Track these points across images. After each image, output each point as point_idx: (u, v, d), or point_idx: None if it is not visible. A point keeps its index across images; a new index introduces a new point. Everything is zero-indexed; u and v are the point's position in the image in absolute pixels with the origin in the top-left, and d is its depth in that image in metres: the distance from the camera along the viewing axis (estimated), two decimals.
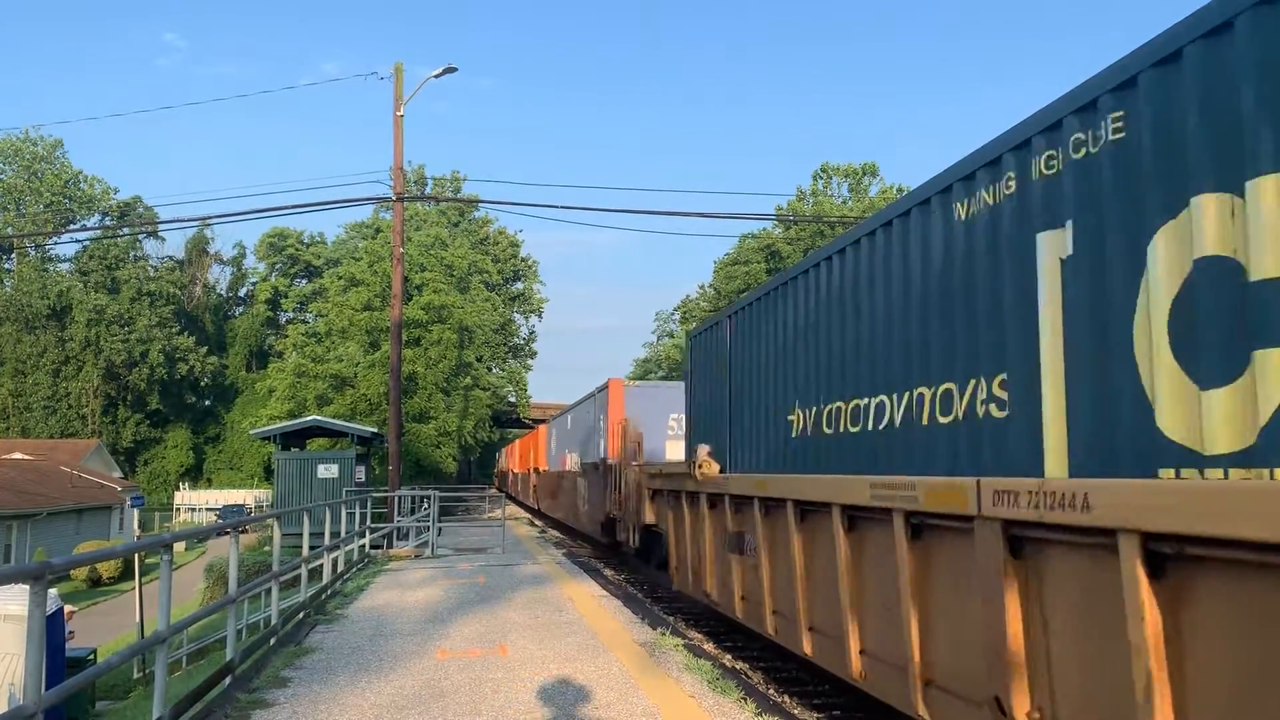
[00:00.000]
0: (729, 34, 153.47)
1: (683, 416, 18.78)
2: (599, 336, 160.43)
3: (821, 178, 72.18)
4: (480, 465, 78.15)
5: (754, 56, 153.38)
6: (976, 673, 5.21)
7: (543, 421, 47.33)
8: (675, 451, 18.27)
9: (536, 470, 37.92)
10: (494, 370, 71.71)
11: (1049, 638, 4.61)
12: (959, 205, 6.02)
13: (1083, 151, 4.75)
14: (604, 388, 20.32)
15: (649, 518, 14.45)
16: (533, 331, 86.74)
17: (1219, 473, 3.90)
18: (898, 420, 6.72)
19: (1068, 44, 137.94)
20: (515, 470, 52.10)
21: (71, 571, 34.50)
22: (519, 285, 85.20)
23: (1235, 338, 3.84)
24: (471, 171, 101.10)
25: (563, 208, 42.67)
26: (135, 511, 37.98)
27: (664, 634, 9.90)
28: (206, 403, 79.71)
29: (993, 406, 5.55)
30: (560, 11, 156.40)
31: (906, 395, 6.57)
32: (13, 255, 77.65)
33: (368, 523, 19.88)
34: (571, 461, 26.58)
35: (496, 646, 9.31)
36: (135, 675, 18.82)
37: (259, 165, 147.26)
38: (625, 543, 17.30)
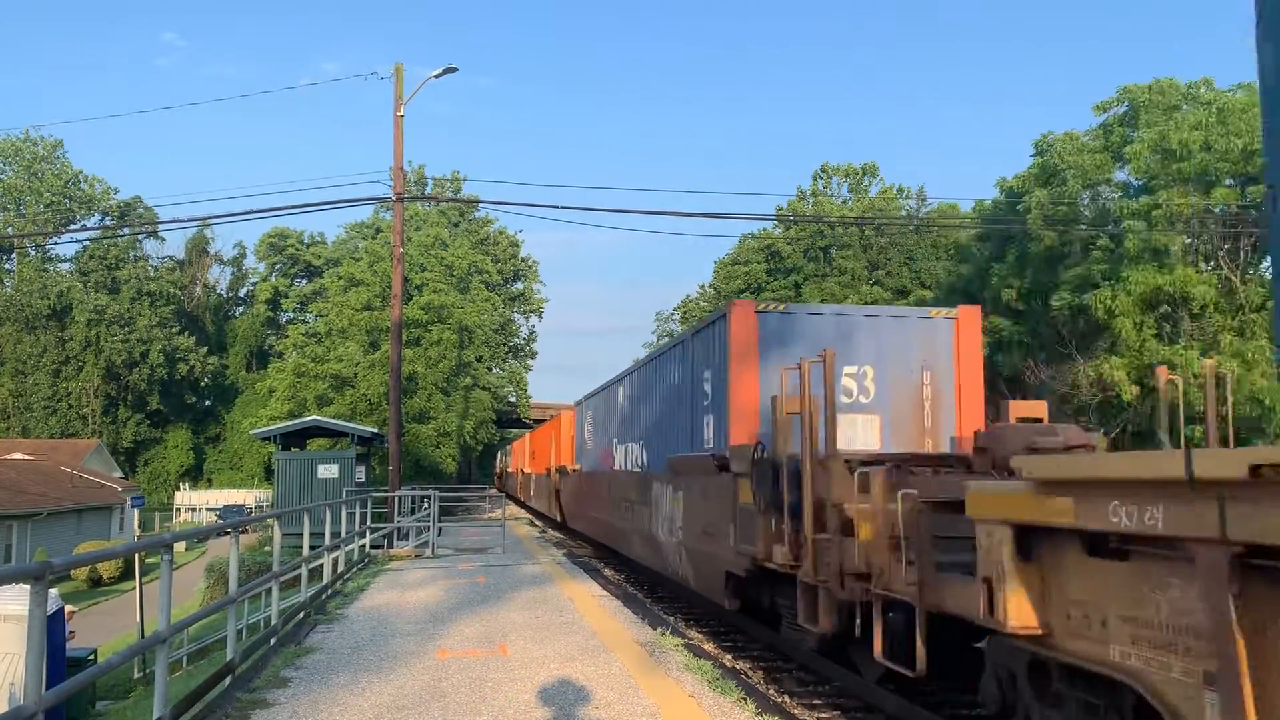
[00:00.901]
0: (729, 34, 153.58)
1: (868, 369, 10.80)
2: (599, 336, 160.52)
3: (822, 178, 72.21)
4: (480, 465, 78.14)
5: (754, 56, 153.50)
6: None
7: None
8: (863, 433, 10.66)
9: (561, 471, 27.86)
10: (494, 370, 71.71)
11: None
12: None
13: None
14: (720, 317, 11.49)
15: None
16: (533, 331, 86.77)
17: None
18: None
19: (1067, 43, 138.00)
20: (526, 470, 42.48)
21: (72, 571, 34.50)
22: (519, 285, 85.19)
23: None
24: (471, 171, 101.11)
25: (563, 208, 42.75)
26: (135, 512, 37.97)
27: (664, 634, 9.90)
28: (207, 403, 79.72)
29: None
30: (560, 11, 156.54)
31: None
32: (13, 255, 77.66)
33: (368, 523, 19.88)
34: (628, 457, 17.58)
35: (497, 646, 9.31)
36: (136, 675, 18.83)
37: (259, 165, 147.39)
38: (830, 634, 7.79)
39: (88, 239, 75.22)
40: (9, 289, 73.19)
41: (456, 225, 75.97)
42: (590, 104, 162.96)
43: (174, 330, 74.78)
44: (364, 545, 19.00)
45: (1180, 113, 30.53)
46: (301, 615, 11.24)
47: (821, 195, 71.36)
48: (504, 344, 76.40)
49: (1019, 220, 34.90)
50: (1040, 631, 4.71)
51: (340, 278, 54.54)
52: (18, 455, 48.46)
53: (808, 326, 11.15)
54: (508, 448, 64.33)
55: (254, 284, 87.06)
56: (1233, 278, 29.06)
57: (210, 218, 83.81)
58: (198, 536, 9.50)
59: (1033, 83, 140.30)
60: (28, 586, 4.58)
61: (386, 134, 25.35)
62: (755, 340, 10.85)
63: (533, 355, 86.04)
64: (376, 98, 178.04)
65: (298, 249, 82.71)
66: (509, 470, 57.67)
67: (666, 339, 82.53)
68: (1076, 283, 31.83)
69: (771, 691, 9.18)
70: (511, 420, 74.41)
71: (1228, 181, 29.04)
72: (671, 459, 13.32)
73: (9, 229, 74.45)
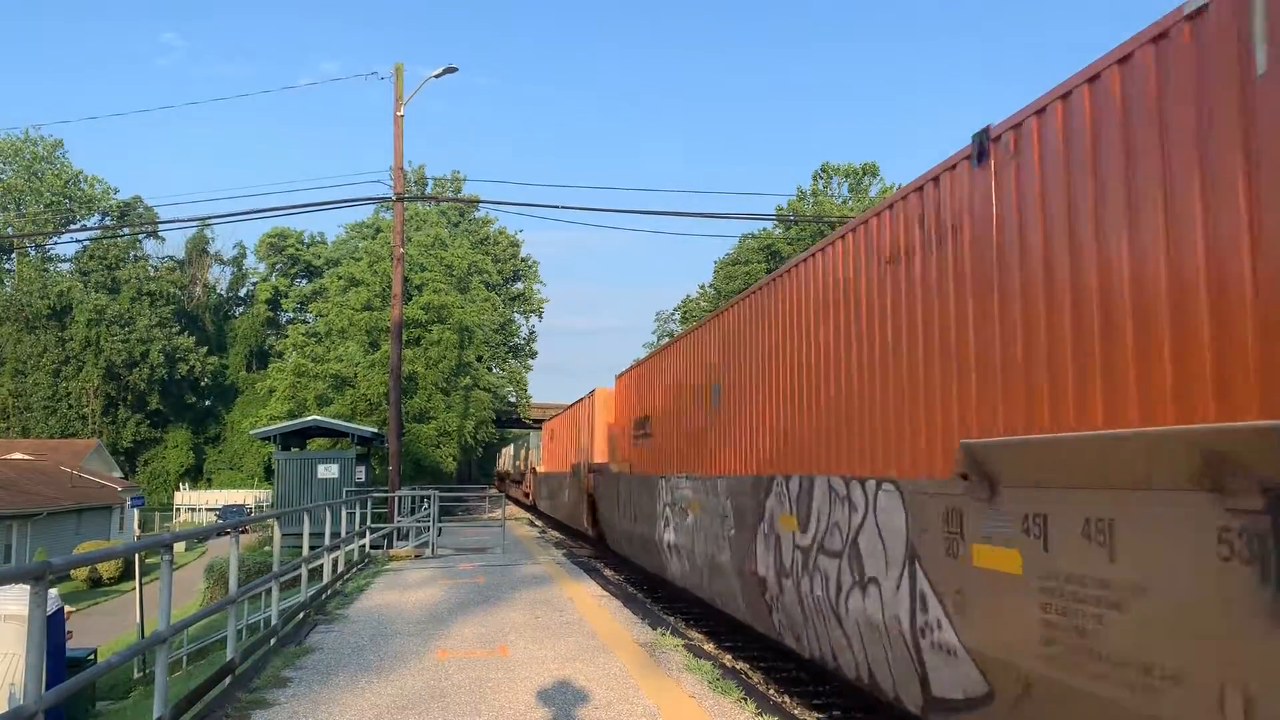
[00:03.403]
0: (728, 34, 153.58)
1: None
2: (599, 336, 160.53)
3: (822, 178, 72.25)
4: (480, 465, 78.08)
5: (754, 57, 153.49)
6: None
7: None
8: None
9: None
10: (494, 370, 71.70)
11: None
12: None
13: None
14: None
15: None
16: (533, 331, 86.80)
17: None
18: None
19: (1068, 42, 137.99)
20: (598, 462, 21.26)
21: (72, 571, 34.50)
22: (519, 285, 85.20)
23: None
24: (471, 171, 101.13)
25: (563, 207, 42.65)
26: (135, 512, 38.08)
27: (664, 634, 9.89)
28: (207, 403, 79.69)
29: None
30: (560, 11, 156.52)
31: None
32: (13, 255, 77.66)
33: (368, 523, 19.88)
34: None
35: (497, 647, 9.31)
36: (136, 675, 18.85)
37: (259, 165, 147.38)
38: None
39: (88, 239, 75.27)
40: (9, 289, 73.18)
41: (456, 225, 76.01)
42: (590, 104, 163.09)
43: (174, 330, 74.76)
44: (364, 545, 19.00)
45: None
46: (301, 615, 11.23)
47: (821, 195, 71.37)
48: (504, 344, 76.42)
49: None
50: None
51: (340, 278, 54.56)
52: (17, 455, 48.47)
53: None
54: (526, 439, 49.34)
55: (254, 284, 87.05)
56: None
57: (210, 218, 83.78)
58: (198, 537, 9.50)
59: (1034, 82, 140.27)
60: (27, 587, 4.57)
61: (386, 134, 25.36)
62: None
63: (533, 355, 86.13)
64: (376, 98, 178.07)
65: (298, 249, 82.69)
66: (533, 469, 40.01)
67: (668, 339, 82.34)
68: None
69: (771, 692, 9.18)
70: (511, 420, 74.42)
71: None
72: None
73: (9, 229, 74.45)
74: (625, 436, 18.30)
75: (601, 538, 21.45)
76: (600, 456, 21.21)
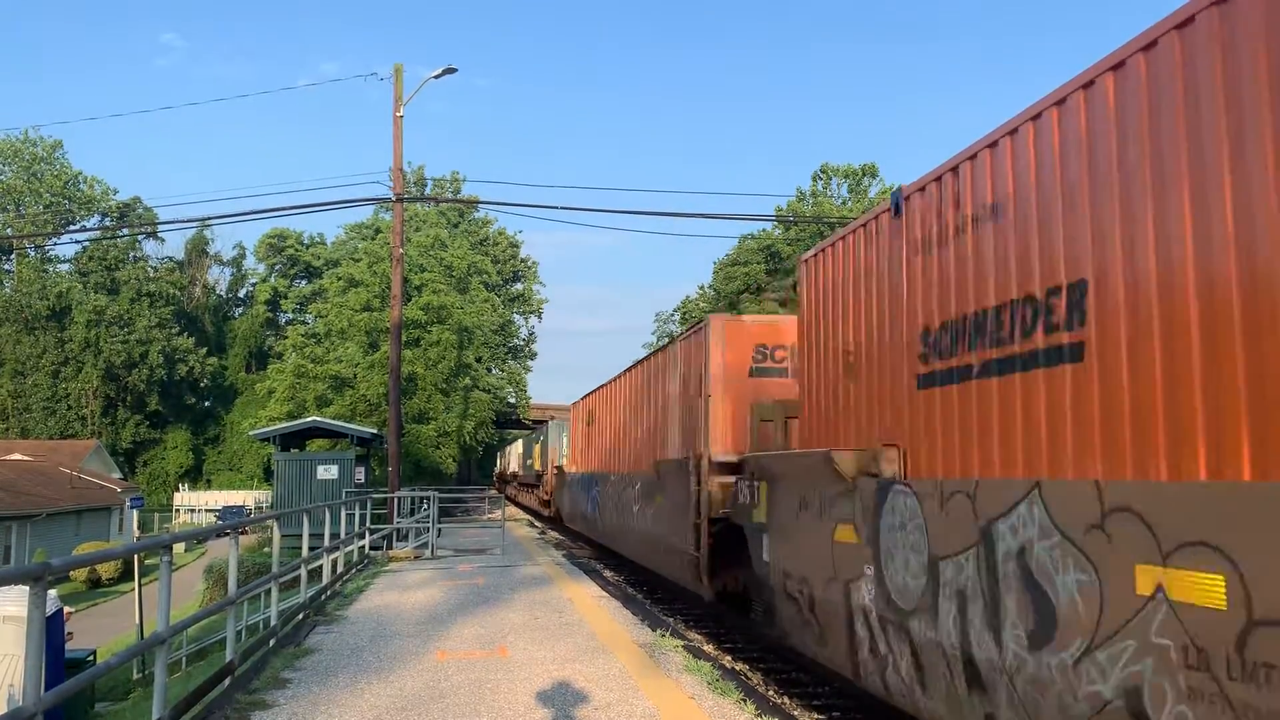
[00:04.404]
0: (728, 34, 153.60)
1: None
2: (599, 337, 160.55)
3: (821, 178, 72.21)
4: (480, 466, 77.99)
5: (754, 56, 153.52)
6: None
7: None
8: None
9: None
10: (493, 371, 71.63)
11: None
12: None
13: None
14: None
15: None
16: (532, 332, 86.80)
17: None
18: None
19: (1068, 40, 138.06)
20: (773, 454, 9.92)
21: (71, 572, 34.47)
22: (519, 286, 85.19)
23: None
24: (470, 172, 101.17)
25: (562, 208, 42.54)
26: (135, 513, 37.98)
27: (664, 635, 9.90)
28: (206, 404, 79.62)
29: None
30: (559, 11, 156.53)
31: None
32: (12, 256, 77.61)
33: (367, 524, 19.88)
34: None
35: (496, 648, 9.30)
36: (135, 676, 18.83)
37: (259, 165, 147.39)
38: None
39: (87, 240, 75.17)
40: (8, 290, 73.12)
41: (456, 226, 75.99)
42: (590, 104, 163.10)
43: (173, 331, 74.68)
44: (363, 546, 19.00)
45: None
46: (301, 616, 11.23)
47: (821, 196, 71.35)
48: (503, 345, 76.36)
49: None
50: None
51: (340, 278, 54.55)
52: (17, 456, 48.43)
53: None
54: (543, 430, 37.27)
55: (253, 285, 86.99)
56: None
57: (210, 218, 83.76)
58: (197, 538, 9.54)
59: (1034, 81, 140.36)
60: (27, 588, 4.57)
61: (386, 134, 25.36)
62: None
63: (532, 356, 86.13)
64: (376, 98, 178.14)
65: (297, 250, 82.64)
66: (556, 469, 30.84)
67: (668, 339, 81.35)
68: None
69: (771, 693, 9.18)
70: (511, 421, 74.38)
71: None
72: None
73: (9, 230, 74.39)
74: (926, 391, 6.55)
75: (745, 606, 11.02)
76: (774, 441, 10.88)
